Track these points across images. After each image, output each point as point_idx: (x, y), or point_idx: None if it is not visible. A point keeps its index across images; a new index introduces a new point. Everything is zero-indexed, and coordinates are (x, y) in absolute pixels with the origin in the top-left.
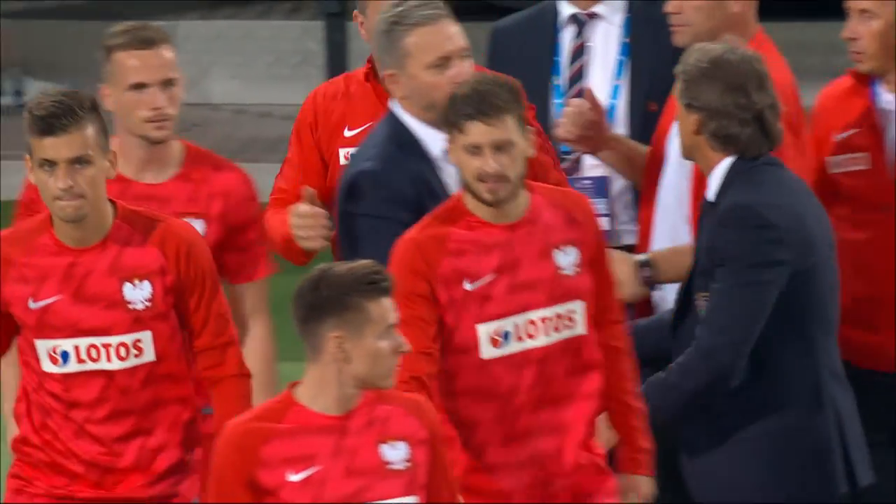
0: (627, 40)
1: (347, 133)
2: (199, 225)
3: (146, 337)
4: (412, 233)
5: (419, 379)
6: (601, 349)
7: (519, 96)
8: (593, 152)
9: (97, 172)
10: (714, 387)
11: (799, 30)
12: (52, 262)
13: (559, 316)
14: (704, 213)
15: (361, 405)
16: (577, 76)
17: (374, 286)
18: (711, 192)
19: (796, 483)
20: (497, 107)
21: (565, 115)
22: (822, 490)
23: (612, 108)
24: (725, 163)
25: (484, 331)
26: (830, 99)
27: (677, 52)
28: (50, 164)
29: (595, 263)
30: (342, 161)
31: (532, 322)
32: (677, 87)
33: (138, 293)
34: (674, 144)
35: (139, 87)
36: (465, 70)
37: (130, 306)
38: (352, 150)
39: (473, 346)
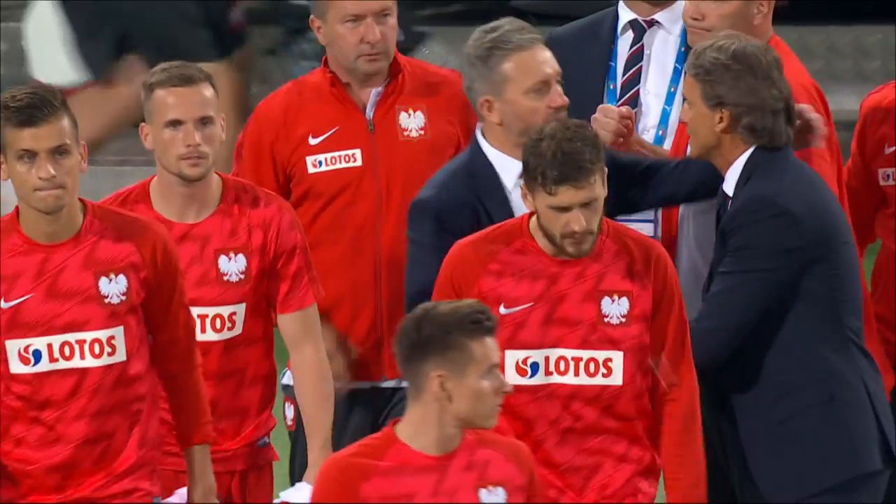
0: (685, 49)
1: (313, 141)
2: (241, 260)
3: (119, 333)
4: (465, 241)
5: None
6: (650, 406)
7: (600, 146)
8: None
9: (75, 163)
10: (704, 366)
11: (829, 34)
12: (22, 260)
13: (594, 361)
14: (721, 206)
15: (462, 447)
16: (633, 81)
17: (478, 325)
18: (730, 185)
19: (838, 462)
20: (587, 170)
21: (595, 122)
22: (862, 464)
23: (666, 115)
24: (745, 155)
25: (511, 358)
26: (880, 110)
27: None
28: (30, 154)
29: (656, 317)
30: (310, 169)
31: (564, 359)
32: (695, 89)
33: (114, 287)
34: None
35: (175, 123)
36: (560, 94)
37: (106, 300)
38: (320, 156)
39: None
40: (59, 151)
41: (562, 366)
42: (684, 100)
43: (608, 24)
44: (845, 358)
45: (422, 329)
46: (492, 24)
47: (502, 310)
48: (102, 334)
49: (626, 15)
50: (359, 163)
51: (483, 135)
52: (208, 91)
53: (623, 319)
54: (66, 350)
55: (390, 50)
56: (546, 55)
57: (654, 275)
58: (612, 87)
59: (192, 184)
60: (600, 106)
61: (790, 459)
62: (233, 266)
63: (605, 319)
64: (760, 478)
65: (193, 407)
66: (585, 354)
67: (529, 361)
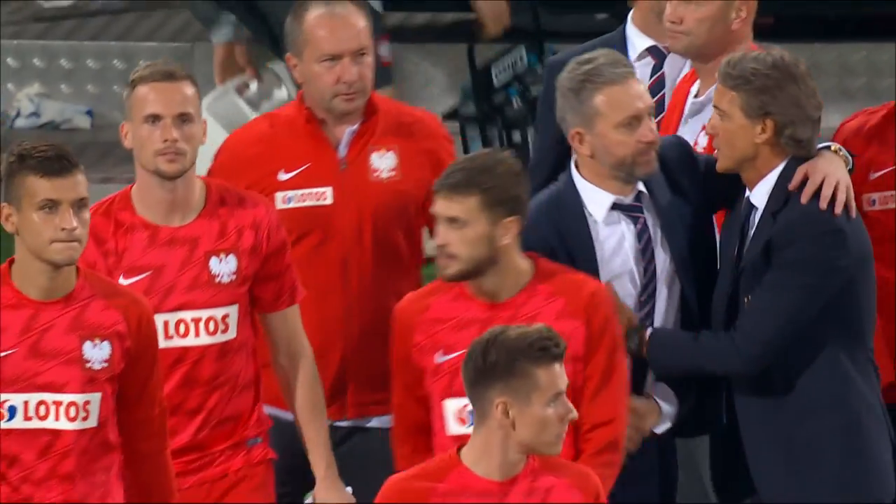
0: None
1: (283, 176)
2: (231, 261)
3: (95, 399)
4: (405, 297)
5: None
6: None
7: (490, 177)
8: None
9: (88, 218)
10: (735, 376)
11: (813, 51)
12: (10, 314)
13: None
14: (745, 217)
15: (525, 472)
16: (658, 109)
17: (545, 352)
18: (760, 196)
19: (857, 489)
20: (457, 186)
21: None
22: (878, 492)
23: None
24: (780, 167)
25: (451, 406)
26: (861, 136)
27: None
28: (52, 205)
29: (592, 358)
30: (280, 205)
31: None
32: (734, 99)
33: (98, 353)
34: None
35: (154, 118)
36: (651, 128)
37: (88, 365)
38: (290, 192)
39: (440, 420)
40: (81, 204)
41: None
42: (716, 110)
43: (615, 49)
44: (867, 379)
45: (488, 354)
46: (587, 56)
47: (439, 358)
48: (79, 398)
49: (641, 42)
50: (329, 201)
51: (575, 166)
52: (189, 89)
53: None
54: (42, 409)
55: (367, 89)
56: (639, 89)
57: (588, 315)
58: None
59: (173, 185)
60: None
61: (810, 482)
62: (224, 267)
63: None
64: (777, 496)
65: (164, 489)
66: None
67: (468, 409)
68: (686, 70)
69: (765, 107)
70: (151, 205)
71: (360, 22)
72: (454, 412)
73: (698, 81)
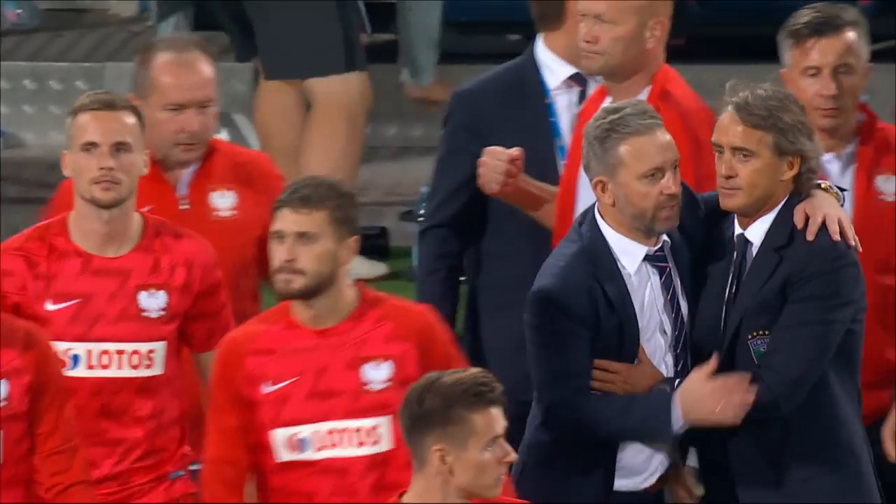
0: None
1: None
2: (161, 297)
3: None
4: (234, 330)
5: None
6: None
7: (336, 195)
8: (508, 198)
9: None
10: (765, 415)
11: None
12: None
13: (363, 430)
14: (740, 253)
15: None
16: None
17: (481, 397)
18: (757, 232)
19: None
20: (308, 199)
21: (483, 165)
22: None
23: None
24: (780, 204)
25: (281, 435)
26: None
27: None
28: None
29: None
30: None
31: (332, 432)
32: (762, 139)
33: None
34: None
35: (90, 146)
36: (675, 181)
37: None
38: None
39: (270, 448)
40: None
41: (334, 438)
42: (737, 151)
43: (531, 79)
44: (857, 415)
45: (423, 401)
46: (615, 106)
47: (266, 388)
48: None
49: (564, 69)
50: None
51: (601, 215)
52: (130, 119)
53: (387, 384)
54: None
55: (207, 139)
56: (664, 140)
57: (420, 337)
58: (561, 144)
59: (109, 214)
60: (487, 149)
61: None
62: (153, 302)
63: (368, 386)
64: None
65: None
66: (353, 424)
67: (298, 437)
68: (591, 89)
69: (795, 144)
70: (86, 233)
71: (208, 71)
72: (283, 441)
73: (609, 99)
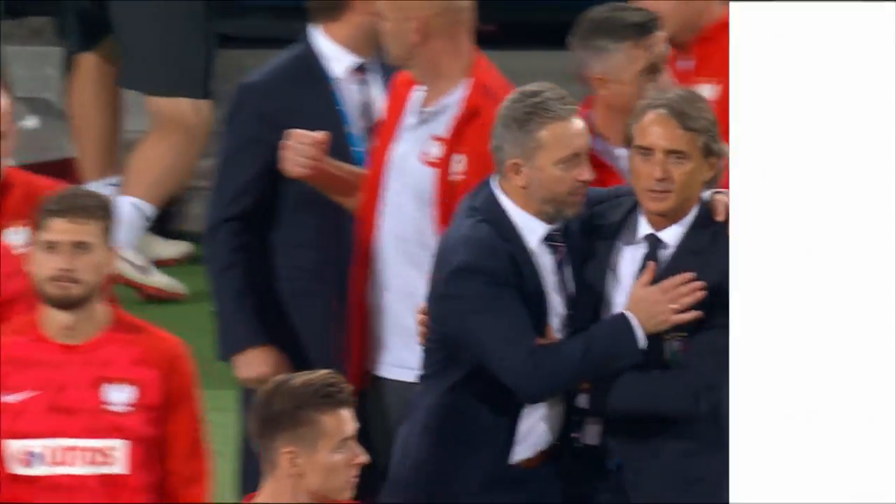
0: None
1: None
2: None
3: None
4: None
5: None
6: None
7: (105, 207)
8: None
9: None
10: (678, 417)
11: (536, 59)
12: None
13: (98, 450)
14: (650, 253)
15: None
16: (367, 123)
17: (330, 399)
18: (673, 233)
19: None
20: (85, 209)
21: (288, 149)
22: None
23: None
24: (697, 206)
25: (14, 447)
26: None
27: None
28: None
29: (169, 411)
30: None
31: (67, 449)
32: (692, 141)
33: None
34: (409, 178)
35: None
36: (589, 169)
37: None
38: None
39: (2, 459)
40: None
41: (66, 455)
42: (671, 155)
43: (315, 68)
44: None
45: (272, 404)
46: (532, 89)
47: (6, 398)
48: None
49: (347, 58)
50: None
51: (505, 194)
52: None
53: (128, 408)
54: None
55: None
56: (580, 127)
57: (167, 369)
58: (351, 131)
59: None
60: (292, 132)
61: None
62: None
63: (109, 407)
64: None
65: None
66: (89, 443)
67: (32, 451)
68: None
69: (717, 145)
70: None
71: (4, 104)
72: (16, 453)
73: (423, 90)
